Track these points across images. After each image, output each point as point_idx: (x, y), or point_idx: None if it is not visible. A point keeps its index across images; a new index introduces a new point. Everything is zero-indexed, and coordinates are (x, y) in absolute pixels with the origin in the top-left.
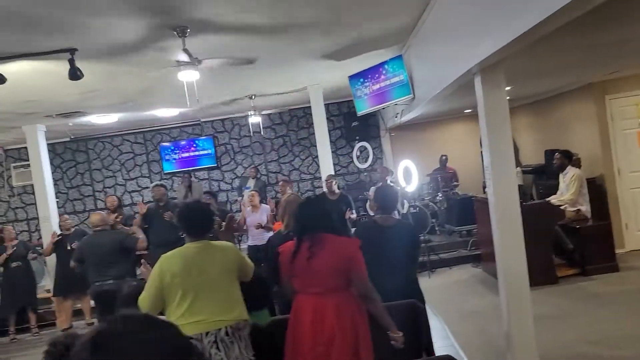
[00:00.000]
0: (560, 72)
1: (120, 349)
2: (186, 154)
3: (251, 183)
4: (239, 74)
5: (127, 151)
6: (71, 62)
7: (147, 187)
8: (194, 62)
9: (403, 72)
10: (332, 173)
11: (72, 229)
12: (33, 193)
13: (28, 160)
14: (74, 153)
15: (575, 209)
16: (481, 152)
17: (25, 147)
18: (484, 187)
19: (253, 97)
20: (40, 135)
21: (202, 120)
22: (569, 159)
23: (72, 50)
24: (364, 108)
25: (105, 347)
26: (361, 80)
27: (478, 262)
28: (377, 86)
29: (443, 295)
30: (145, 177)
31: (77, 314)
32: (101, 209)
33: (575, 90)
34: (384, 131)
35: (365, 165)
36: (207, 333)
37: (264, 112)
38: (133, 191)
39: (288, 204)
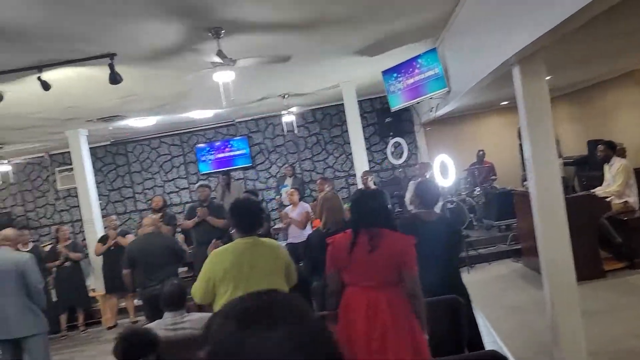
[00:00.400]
0: (601, 59)
1: (279, 322)
2: (221, 155)
3: (289, 181)
4: (273, 73)
5: (164, 153)
6: (111, 66)
7: (185, 188)
8: (229, 62)
9: (438, 65)
10: (367, 169)
11: (118, 229)
12: (76, 196)
13: (71, 164)
14: (114, 156)
15: (622, 200)
16: (519, 144)
17: (69, 152)
18: (524, 180)
19: (286, 96)
20: (82, 140)
21: (237, 120)
22: (612, 149)
23: (112, 56)
24: (398, 103)
25: (266, 321)
26: (394, 75)
27: (518, 256)
28: (411, 80)
29: (483, 290)
30: (182, 178)
31: (122, 312)
32: (142, 210)
33: (617, 78)
34: (418, 126)
35: (400, 161)
36: None
37: (297, 111)
38: (171, 192)
39: (325, 202)
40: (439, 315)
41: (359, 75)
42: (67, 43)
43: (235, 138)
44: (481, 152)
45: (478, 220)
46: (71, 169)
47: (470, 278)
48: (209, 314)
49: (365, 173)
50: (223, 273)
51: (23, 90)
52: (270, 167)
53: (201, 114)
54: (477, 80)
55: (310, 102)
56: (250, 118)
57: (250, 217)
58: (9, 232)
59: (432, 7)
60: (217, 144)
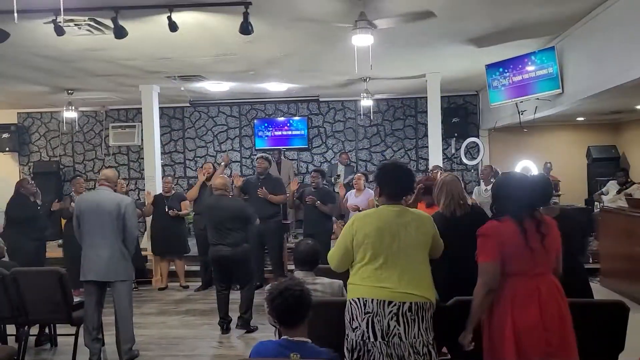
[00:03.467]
0: None
1: None
2: (279, 133)
3: (341, 169)
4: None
5: (221, 123)
6: (245, 15)
7: (236, 161)
8: (368, 25)
9: (553, 64)
10: (440, 165)
11: (173, 192)
12: (127, 154)
13: (125, 122)
14: (170, 119)
15: None
16: (588, 164)
17: (125, 109)
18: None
19: (367, 79)
20: (154, 96)
21: (318, 97)
22: None
23: (247, 4)
24: (498, 99)
25: None
26: (500, 69)
27: (595, 276)
28: (519, 78)
29: None
30: (236, 150)
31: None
32: (191, 177)
33: None
34: (484, 130)
35: (474, 162)
36: (390, 302)
37: (371, 98)
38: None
39: (445, 184)
40: (598, 319)
41: (448, 68)
42: None
43: (295, 118)
44: (549, 165)
45: None
46: (125, 127)
47: None
48: (339, 281)
49: (436, 167)
50: (363, 237)
51: (144, 30)
52: (327, 151)
53: (277, 87)
54: (610, 86)
55: (381, 90)
56: (320, 99)
57: (401, 181)
58: (110, 172)
59: (572, 3)
60: (278, 120)
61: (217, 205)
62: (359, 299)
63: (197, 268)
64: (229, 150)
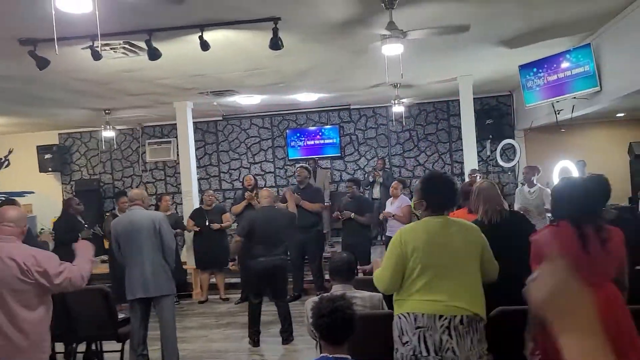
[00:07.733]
0: None
1: None
2: (311, 142)
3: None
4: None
5: (253, 135)
6: (275, 31)
7: (270, 172)
8: (399, 34)
9: (590, 62)
10: (476, 168)
11: (213, 205)
12: (163, 169)
13: (161, 138)
14: (204, 134)
15: None
16: (630, 161)
17: (160, 125)
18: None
19: (398, 85)
20: (188, 112)
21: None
22: None
23: (276, 20)
24: (534, 100)
25: None
26: (534, 70)
27: None
28: (554, 77)
29: None
30: (269, 161)
31: (213, 287)
32: (225, 190)
33: None
34: (519, 131)
35: (511, 164)
36: (440, 316)
37: (403, 104)
38: (256, 175)
39: (482, 191)
40: None
41: (480, 70)
42: (234, 1)
43: (326, 126)
44: (581, 162)
45: None
46: (160, 143)
47: None
48: (379, 294)
49: (474, 171)
50: (412, 251)
51: (177, 50)
52: (359, 159)
53: (307, 97)
54: None
55: (412, 95)
56: (342, 107)
57: (444, 193)
58: (138, 191)
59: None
60: (309, 130)
61: (268, 216)
62: (408, 313)
63: (236, 280)
64: (262, 161)
